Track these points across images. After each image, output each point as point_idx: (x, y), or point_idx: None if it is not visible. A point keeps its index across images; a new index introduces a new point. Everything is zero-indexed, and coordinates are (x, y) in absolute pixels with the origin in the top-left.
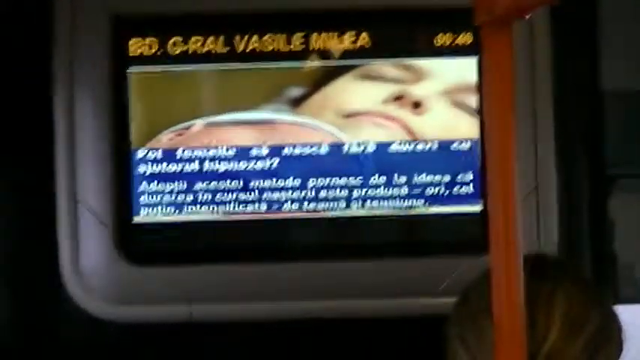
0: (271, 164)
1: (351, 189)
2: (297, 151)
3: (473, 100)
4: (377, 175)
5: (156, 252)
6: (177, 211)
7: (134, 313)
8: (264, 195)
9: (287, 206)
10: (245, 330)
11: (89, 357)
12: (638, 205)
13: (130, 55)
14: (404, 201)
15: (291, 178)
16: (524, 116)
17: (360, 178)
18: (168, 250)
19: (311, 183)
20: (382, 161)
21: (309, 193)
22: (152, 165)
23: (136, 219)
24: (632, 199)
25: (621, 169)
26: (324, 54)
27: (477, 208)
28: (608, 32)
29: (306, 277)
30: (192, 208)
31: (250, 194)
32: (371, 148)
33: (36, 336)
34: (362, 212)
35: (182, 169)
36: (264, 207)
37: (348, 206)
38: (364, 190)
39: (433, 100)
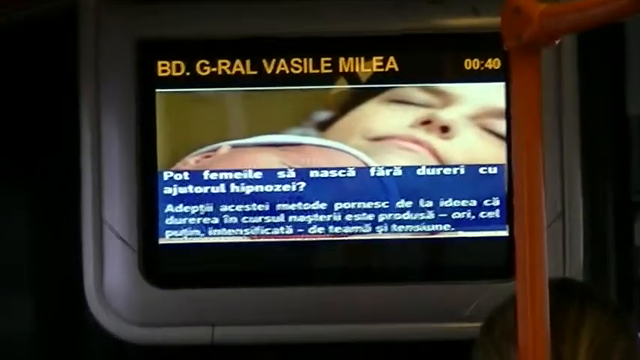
0: (298, 187)
1: (377, 213)
2: (323, 175)
3: (500, 125)
4: (403, 199)
5: (180, 274)
6: (202, 233)
7: (157, 335)
8: (290, 218)
9: (313, 229)
10: (268, 353)
11: None
12: None
13: (157, 77)
14: (430, 225)
15: (318, 202)
16: (550, 142)
17: (387, 202)
18: (192, 273)
19: (337, 206)
20: (408, 185)
21: (335, 217)
22: (178, 187)
23: (162, 241)
24: None
25: None
26: (352, 78)
27: (503, 233)
28: (635, 57)
29: (331, 301)
30: (217, 231)
31: (276, 217)
32: (397, 172)
33: (58, 355)
34: (388, 236)
35: (208, 191)
36: (290, 230)
37: (374, 230)
38: (390, 214)
39: (461, 125)
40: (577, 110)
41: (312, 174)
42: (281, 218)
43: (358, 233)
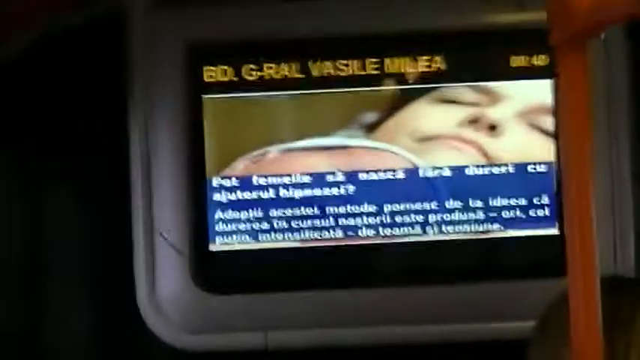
0: (347, 190)
1: (426, 214)
2: (372, 177)
3: (549, 122)
4: (452, 200)
5: (232, 280)
6: (253, 239)
7: (211, 341)
8: (340, 221)
9: (363, 232)
10: (319, 358)
11: None
12: None
13: (205, 81)
14: (480, 225)
15: (367, 204)
16: (600, 138)
17: (436, 202)
18: (244, 278)
19: (387, 208)
20: (458, 185)
21: (385, 219)
22: (227, 193)
23: (212, 247)
24: None
25: None
26: (399, 78)
27: (553, 231)
28: None
29: (383, 303)
30: (268, 236)
31: (326, 221)
32: (446, 173)
33: None
34: (438, 237)
35: (258, 197)
36: (340, 233)
37: (424, 231)
38: (440, 214)
39: (509, 123)
40: (626, 104)
41: (361, 176)
42: (331, 222)
43: (409, 235)
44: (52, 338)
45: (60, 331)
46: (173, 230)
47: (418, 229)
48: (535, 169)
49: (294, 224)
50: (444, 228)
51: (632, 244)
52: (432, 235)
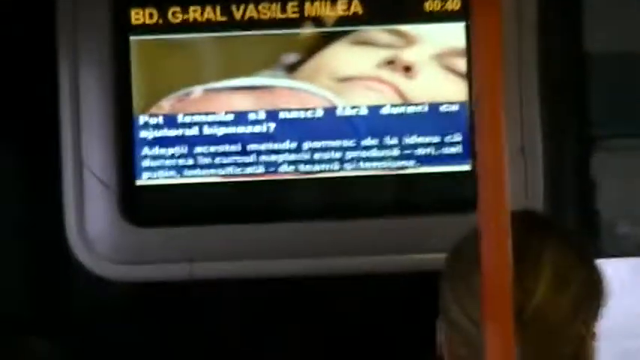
0: (268, 128)
1: (344, 151)
2: (292, 115)
3: (462, 64)
4: (369, 137)
5: (158, 213)
6: (178, 174)
7: (138, 272)
8: (262, 157)
9: (283, 168)
10: (242, 287)
11: (96, 316)
12: (621, 164)
13: (132, 24)
14: (395, 162)
15: (288, 141)
16: (510, 80)
17: (354, 140)
18: (169, 212)
19: (306, 145)
20: (374, 124)
21: (304, 156)
22: (154, 130)
23: (139, 182)
24: (614, 159)
25: (604, 129)
26: (318, 21)
27: (466, 167)
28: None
29: (301, 236)
30: (192, 172)
31: (248, 157)
32: (363, 112)
33: (44, 297)
34: (355, 173)
35: (183, 134)
36: (261, 169)
37: (342, 167)
38: (357, 151)
39: (423, 64)
40: (535, 49)
41: (282, 115)
42: (252, 158)
43: (327, 171)
44: None
45: (7, 279)
46: (101, 166)
47: (336, 166)
48: (448, 108)
49: (217, 160)
50: (360, 164)
51: (541, 181)
52: (349, 171)
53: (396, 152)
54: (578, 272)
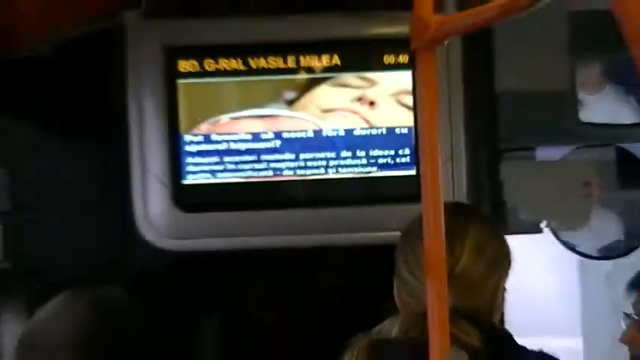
0: (275, 144)
1: (327, 160)
2: (292, 135)
3: (410, 100)
4: (345, 151)
5: (198, 203)
6: (212, 176)
7: (184, 245)
8: (271, 164)
9: (286, 172)
10: (256, 255)
11: (155, 275)
12: (520, 169)
13: (179, 71)
14: (363, 168)
15: (288, 153)
16: (442, 110)
17: (334, 152)
18: (206, 202)
19: (301, 156)
20: (349, 141)
21: (300, 163)
22: (195, 145)
23: (185, 182)
24: (516, 165)
25: (509, 144)
26: (309, 69)
27: (412, 172)
28: (500, 52)
29: (299, 220)
30: (222, 175)
31: (261, 164)
32: (341, 133)
33: (120, 263)
34: (335, 176)
35: (215, 148)
36: (270, 173)
37: (325, 172)
38: (337, 160)
39: (383, 100)
40: (461, 87)
41: (285, 135)
42: (264, 165)
43: (316, 174)
44: (80, 249)
45: (86, 245)
46: (159, 171)
47: (322, 170)
48: (400, 131)
49: (239, 167)
50: (339, 170)
51: (465, 181)
52: (330, 175)
53: (364, 161)
54: (491, 244)
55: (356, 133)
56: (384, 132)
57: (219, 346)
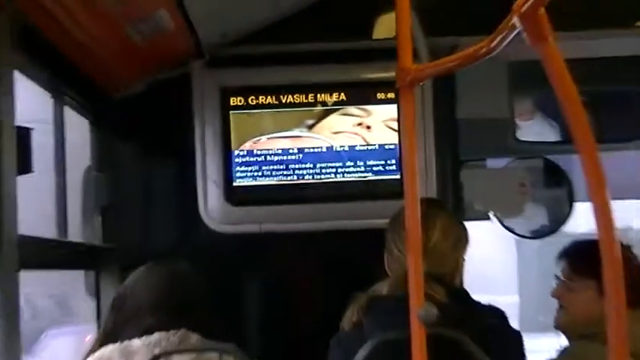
0: (299, 157)
1: (337, 168)
2: (311, 150)
3: (395, 125)
4: (349, 161)
5: (243, 199)
6: (253, 180)
7: (233, 229)
8: (296, 171)
9: (307, 177)
10: (284, 237)
11: (212, 251)
12: (474, 174)
13: (231, 105)
14: (362, 174)
15: (309, 163)
16: (419, 133)
17: (340, 162)
18: (249, 199)
19: (317, 165)
20: (351, 154)
21: (317, 170)
22: (242, 157)
23: (234, 184)
24: (471, 171)
25: (467, 156)
26: (324, 103)
27: (397, 176)
28: (461, 90)
29: (315, 211)
30: (260, 179)
31: (289, 171)
32: (346, 149)
33: (188, 243)
34: (342, 179)
35: (256, 160)
36: (295, 177)
37: (335, 176)
38: (343, 168)
39: (376, 125)
40: (432, 114)
41: (306, 150)
42: (291, 172)
43: (328, 178)
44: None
45: (163, 230)
46: (216, 177)
47: (332, 175)
48: (389, 147)
49: (273, 173)
50: (345, 175)
51: (435, 184)
52: (339, 178)
53: (362, 168)
54: (454, 228)
55: (357, 148)
56: (377, 147)
57: (259, 303)
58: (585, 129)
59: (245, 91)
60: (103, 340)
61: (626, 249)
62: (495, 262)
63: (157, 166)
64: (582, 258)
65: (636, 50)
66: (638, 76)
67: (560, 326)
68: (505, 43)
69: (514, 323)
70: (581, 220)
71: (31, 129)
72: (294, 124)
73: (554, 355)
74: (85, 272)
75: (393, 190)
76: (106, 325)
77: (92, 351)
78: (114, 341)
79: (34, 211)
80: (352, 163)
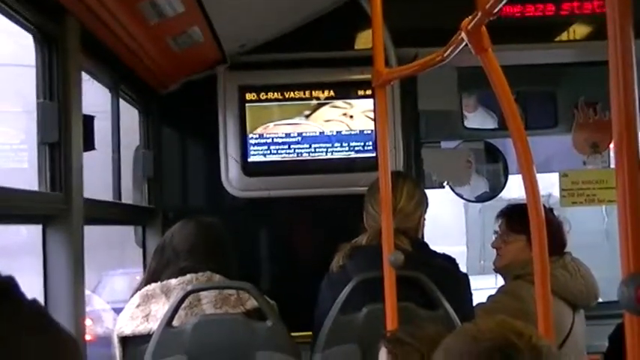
0: (298, 139)
1: (327, 148)
2: (309, 134)
3: (372, 115)
4: (337, 142)
5: (256, 171)
6: (263, 156)
7: (248, 194)
8: (296, 150)
9: (304, 155)
10: (289, 201)
11: (231, 211)
12: (432, 153)
13: (246, 99)
14: (347, 152)
15: (306, 144)
16: (389, 121)
17: (330, 143)
18: (260, 170)
19: (313, 145)
20: (339, 137)
21: (312, 149)
22: (255, 139)
23: (249, 159)
24: (430, 151)
25: (426, 139)
26: (317, 98)
27: (373, 154)
28: (422, 88)
29: (311, 181)
30: (270, 155)
31: (290, 150)
32: (335, 133)
33: (213, 204)
34: (332, 156)
35: (265, 141)
36: (295, 155)
37: (326, 154)
38: (332, 148)
39: (358, 115)
40: (400, 106)
41: (305, 134)
42: (292, 150)
43: (320, 155)
44: (191, 197)
45: (195, 195)
46: (235, 154)
47: (324, 153)
48: (367, 132)
49: (278, 151)
50: (333, 153)
51: (402, 161)
52: (329, 155)
53: (346, 148)
54: (417, 193)
55: (342, 132)
56: (358, 132)
57: (267, 251)
58: (516, 119)
59: (258, 89)
60: (147, 280)
61: (549, 211)
62: (448, 220)
63: (189, 146)
64: (515, 217)
65: (555, 59)
66: (556, 79)
67: (498, 269)
68: (455, 53)
69: (462, 267)
70: (513, 189)
71: (94, 116)
72: (295, 114)
73: (494, 292)
74: (135, 227)
75: (369, 165)
76: (149, 268)
77: (139, 288)
78: (156, 280)
79: (97, 179)
80: (339, 144)
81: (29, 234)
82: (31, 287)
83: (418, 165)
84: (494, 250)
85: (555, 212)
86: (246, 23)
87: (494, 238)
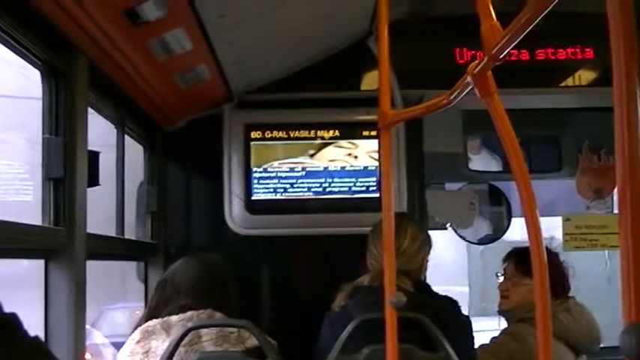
0: (303, 175)
1: (331, 187)
2: (312, 173)
3: (376, 155)
4: (343, 180)
5: (260, 209)
6: (268, 194)
7: (251, 232)
8: (300, 187)
9: (308, 194)
10: (293, 240)
11: (235, 248)
12: (436, 194)
13: (251, 138)
14: (350, 192)
15: (310, 183)
16: (394, 162)
17: (334, 183)
18: (264, 209)
19: (318, 182)
20: (344, 174)
21: (317, 186)
22: (259, 174)
23: (253, 197)
24: (434, 192)
25: (431, 181)
26: (322, 138)
27: (377, 195)
28: (427, 131)
29: (315, 220)
30: (273, 194)
31: (294, 188)
32: (339, 169)
33: (218, 242)
34: (334, 196)
35: (269, 176)
36: (300, 193)
37: (329, 194)
38: (337, 185)
39: (362, 155)
40: (404, 150)
41: (309, 170)
42: (297, 188)
43: (324, 195)
44: (195, 233)
45: (199, 231)
46: (239, 192)
47: (327, 193)
48: (371, 169)
49: (284, 188)
50: (339, 192)
51: (406, 203)
52: (333, 196)
53: (350, 188)
54: (421, 235)
55: (347, 169)
56: (362, 169)
57: (269, 289)
58: (520, 161)
59: (263, 127)
60: (148, 316)
61: (552, 253)
62: (451, 262)
63: (193, 182)
64: (524, 260)
65: (559, 104)
66: (559, 123)
67: (502, 311)
68: (461, 96)
69: (464, 308)
70: (516, 231)
71: (99, 152)
72: (299, 153)
73: (497, 334)
74: (137, 262)
75: (373, 205)
76: (150, 304)
77: (139, 324)
78: (156, 316)
79: (100, 214)
80: (343, 184)
81: (30, 265)
82: (29, 320)
83: (422, 206)
84: (496, 292)
85: (560, 256)
86: (254, 62)
87: (500, 281)
